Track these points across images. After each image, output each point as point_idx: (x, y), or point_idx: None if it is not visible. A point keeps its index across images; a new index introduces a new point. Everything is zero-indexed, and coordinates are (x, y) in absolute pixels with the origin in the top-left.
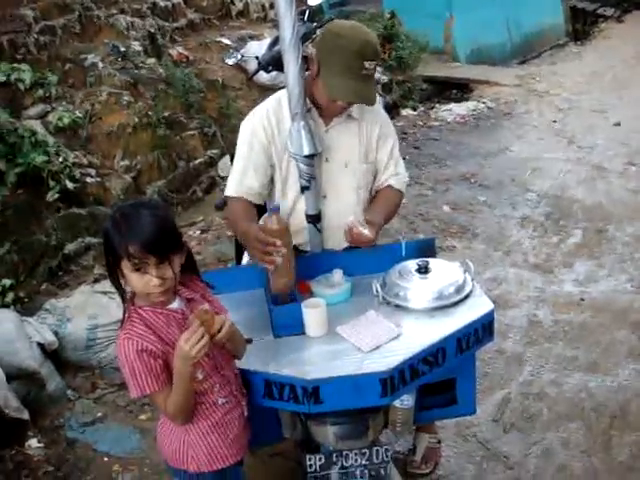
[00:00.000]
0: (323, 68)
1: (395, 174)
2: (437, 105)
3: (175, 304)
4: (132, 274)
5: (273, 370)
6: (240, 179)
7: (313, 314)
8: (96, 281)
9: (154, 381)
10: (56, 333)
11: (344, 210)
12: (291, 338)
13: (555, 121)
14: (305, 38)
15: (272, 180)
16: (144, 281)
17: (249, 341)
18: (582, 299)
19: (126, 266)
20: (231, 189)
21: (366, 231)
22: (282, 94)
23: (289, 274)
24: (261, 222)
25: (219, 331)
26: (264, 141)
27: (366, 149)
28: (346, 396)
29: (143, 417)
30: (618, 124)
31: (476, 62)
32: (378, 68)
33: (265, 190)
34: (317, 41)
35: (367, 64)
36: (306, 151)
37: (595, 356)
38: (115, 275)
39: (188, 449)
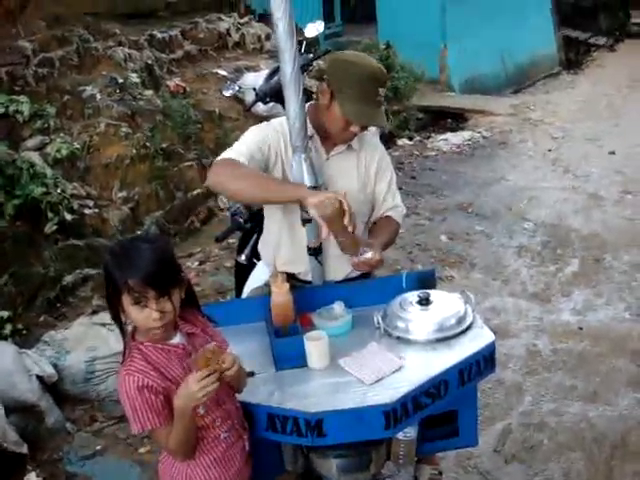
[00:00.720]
0: (339, 95)
1: (394, 206)
2: (433, 135)
3: (176, 339)
4: (132, 308)
5: (276, 403)
6: (249, 150)
7: (315, 346)
8: (94, 313)
9: (155, 417)
10: (55, 365)
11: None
12: (293, 371)
13: (550, 150)
14: (302, 70)
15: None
16: (144, 315)
17: (251, 374)
18: (580, 328)
19: (126, 300)
20: (237, 156)
21: (369, 254)
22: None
23: (289, 316)
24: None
25: (228, 369)
26: (267, 153)
27: (364, 180)
28: (349, 429)
29: (143, 450)
30: (613, 152)
31: (471, 92)
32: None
33: None
34: (328, 71)
35: (381, 90)
36: (308, 183)
37: (595, 385)
38: (115, 309)
39: None
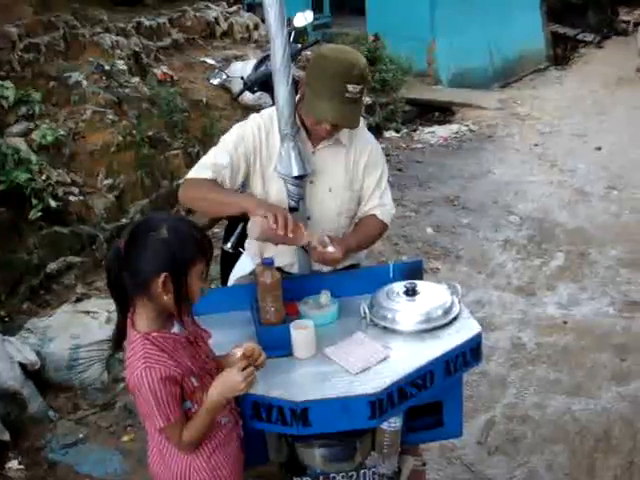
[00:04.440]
0: (308, 90)
1: (380, 205)
2: (420, 127)
3: (175, 328)
4: (199, 283)
5: (261, 392)
6: (214, 162)
7: (301, 335)
8: (78, 300)
9: (177, 408)
10: (38, 353)
11: (328, 232)
12: (279, 360)
13: (537, 144)
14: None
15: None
16: (199, 291)
17: None
18: (565, 322)
19: (194, 276)
20: (202, 170)
21: (330, 248)
22: (274, 110)
23: (278, 319)
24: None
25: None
26: (249, 149)
27: (352, 177)
28: (335, 418)
29: (125, 438)
30: (599, 148)
31: (458, 85)
32: (364, 92)
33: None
34: (308, 64)
35: (350, 87)
36: (295, 172)
37: (578, 379)
38: (122, 293)
39: (192, 473)
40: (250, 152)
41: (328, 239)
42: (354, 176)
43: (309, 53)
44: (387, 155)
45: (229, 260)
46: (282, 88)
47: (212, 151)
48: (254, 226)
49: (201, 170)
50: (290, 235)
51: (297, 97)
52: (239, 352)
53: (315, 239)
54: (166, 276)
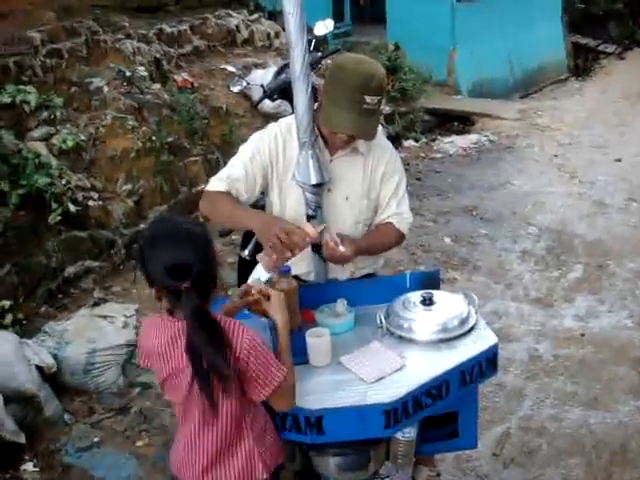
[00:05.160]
0: (325, 99)
1: (397, 213)
2: (439, 137)
3: None
4: None
5: None
6: (229, 174)
7: (317, 343)
8: (95, 305)
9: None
10: (55, 356)
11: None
12: (294, 367)
13: (556, 155)
14: (311, 68)
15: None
16: None
17: None
18: (582, 334)
19: None
20: (218, 183)
21: (341, 247)
22: (293, 119)
23: (294, 327)
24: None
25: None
26: (266, 160)
27: (369, 185)
28: (349, 427)
29: (140, 443)
30: (619, 160)
31: (478, 95)
32: (381, 103)
33: (248, 200)
34: (326, 73)
35: (369, 99)
36: (314, 180)
37: (595, 392)
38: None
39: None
40: (267, 163)
41: (339, 238)
42: (371, 184)
43: (329, 62)
44: (406, 164)
45: (246, 267)
46: (301, 96)
47: (230, 162)
48: (261, 265)
49: (217, 183)
50: (289, 255)
51: (315, 105)
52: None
53: (327, 235)
54: None
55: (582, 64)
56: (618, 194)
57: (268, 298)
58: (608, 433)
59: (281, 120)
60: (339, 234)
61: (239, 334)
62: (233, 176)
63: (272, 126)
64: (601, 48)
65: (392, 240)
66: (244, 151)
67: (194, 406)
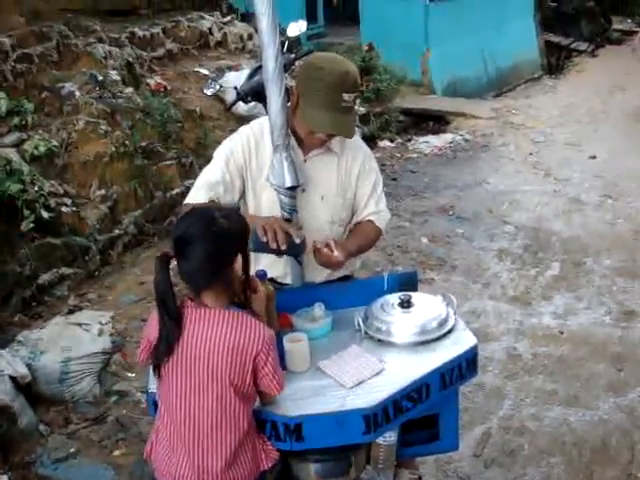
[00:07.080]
0: (302, 99)
1: (376, 212)
2: (414, 137)
3: None
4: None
5: (255, 406)
6: (207, 180)
7: (295, 349)
8: (70, 312)
9: None
10: (29, 366)
11: (319, 241)
12: None
13: (531, 154)
14: (284, 69)
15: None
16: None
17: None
18: (561, 332)
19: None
20: (197, 192)
21: (336, 252)
22: (265, 120)
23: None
24: None
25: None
26: (240, 162)
27: (344, 185)
28: (329, 433)
29: (117, 453)
30: (593, 157)
31: (453, 95)
32: (357, 100)
33: (232, 203)
34: (298, 73)
35: (346, 96)
36: (288, 183)
37: (575, 390)
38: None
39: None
40: (241, 164)
41: (333, 243)
42: (346, 184)
43: (301, 63)
44: (381, 165)
45: None
46: (274, 98)
47: (205, 170)
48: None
49: (196, 192)
50: (283, 247)
51: (288, 106)
52: None
53: (318, 242)
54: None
55: (555, 62)
56: (593, 191)
57: (255, 291)
58: (588, 431)
59: (252, 122)
60: (328, 242)
61: (259, 332)
62: (212, 181)
63: (243, 128)
64: (573, 46)
65: (374, 238)
66: (218, 156)
67: (198, 408)
